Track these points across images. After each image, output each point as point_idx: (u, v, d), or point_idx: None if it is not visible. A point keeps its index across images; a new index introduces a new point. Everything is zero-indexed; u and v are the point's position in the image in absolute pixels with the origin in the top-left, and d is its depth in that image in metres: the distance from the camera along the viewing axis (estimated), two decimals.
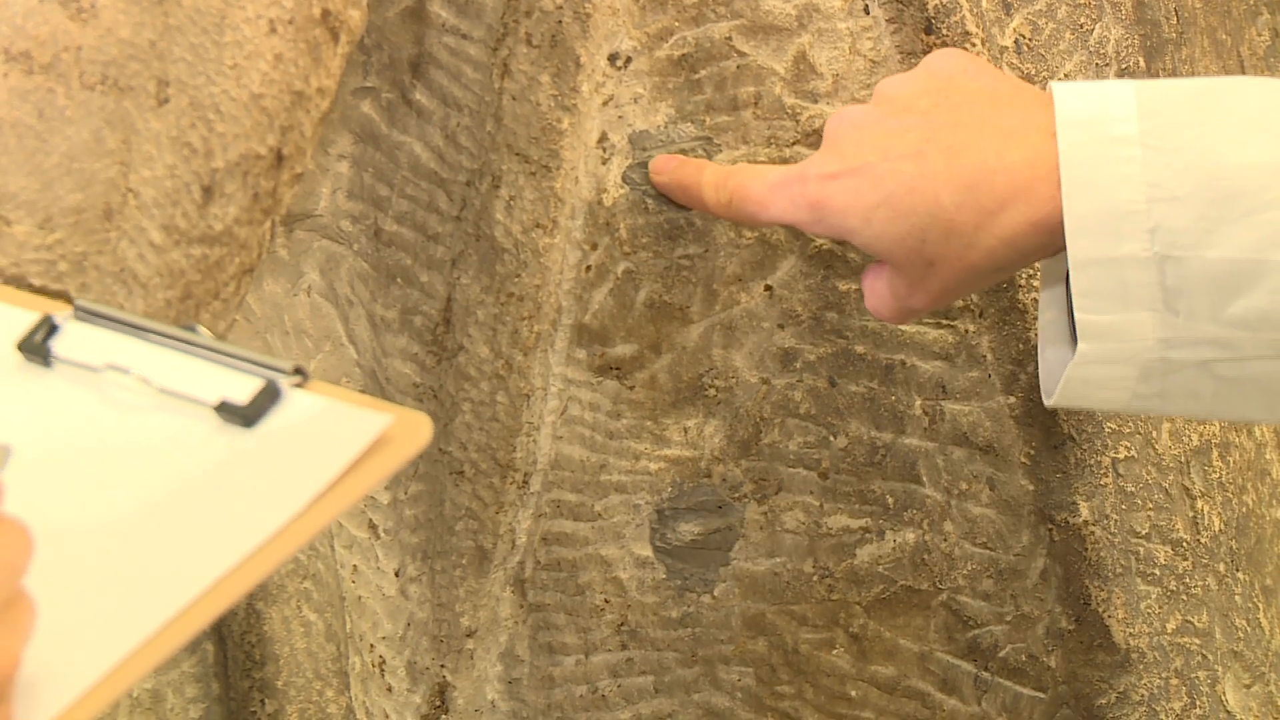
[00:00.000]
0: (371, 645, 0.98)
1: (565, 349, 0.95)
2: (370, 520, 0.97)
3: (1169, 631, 0.98)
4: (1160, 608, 0.98)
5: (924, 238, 0.78)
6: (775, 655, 0.97)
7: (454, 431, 0.96)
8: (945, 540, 0.96)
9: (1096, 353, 0.77)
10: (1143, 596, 0.97)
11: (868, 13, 0.93)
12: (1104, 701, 0.97)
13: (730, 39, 0.93)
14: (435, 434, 0.94)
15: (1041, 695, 0.97)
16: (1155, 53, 0.97)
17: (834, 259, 0.94)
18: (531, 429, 0.96)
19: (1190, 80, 0.78)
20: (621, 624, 0.97)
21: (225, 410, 0.60)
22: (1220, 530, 1.00)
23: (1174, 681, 0.98)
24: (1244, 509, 1.02)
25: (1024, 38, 0.94)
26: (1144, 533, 0.97)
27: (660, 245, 0.94)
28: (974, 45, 0.92)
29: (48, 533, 0.55)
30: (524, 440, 0.96)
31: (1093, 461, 0.96)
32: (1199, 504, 0.99)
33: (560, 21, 0.93)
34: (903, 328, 0.94)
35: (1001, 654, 0.97)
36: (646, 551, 0.96)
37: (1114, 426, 0.96)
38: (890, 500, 0.96)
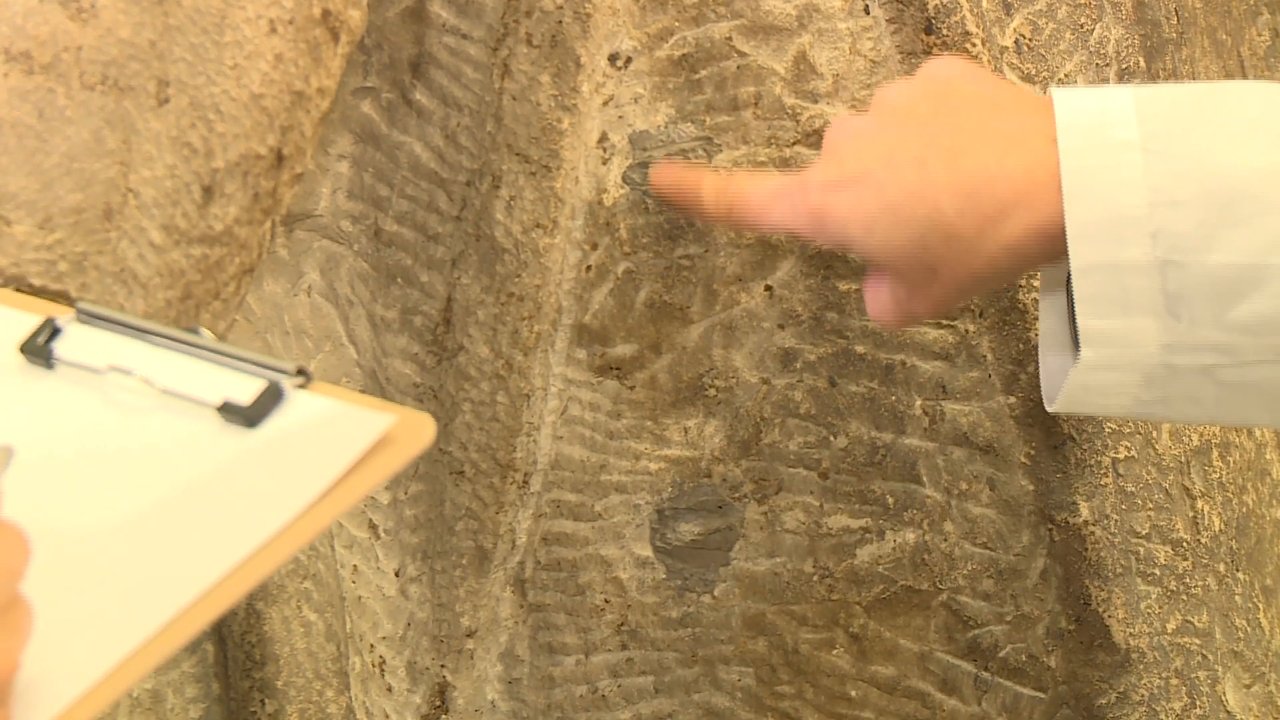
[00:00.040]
0: (371, 645, 0.98)
1: (565, 349, 0.95)
2: (370, 520, 0.97)
3: (1169, 631, 0.98)
4: (1160, 608, 0.98)
5: (925, 245, 0.78)
6: (775, 655, 0.97)
7: (454, 431, 0.96)
8: (945, 540, 0.96)
9: (1099, 359, 0.77)
10: (1143, 596, 0.97)
11: (868, 13, 0.93)
12: (1104, 701, 0.97)
13: (730, 39, 0.93)
14: (436, 434, 0.94)
15: (1041, 695, 0.97)
16: (1155, 53, 0.97)
17: (834, 259, 0.94)
18: (531, 429, 0.96)
19: (1190, 84, 0.78)
20: (621, 624, 0.97)
21: (228, 411, 0.60)
22: (1220, 530, 1.00)
23: (1174, 681, 0.98)
24: (1244, 509, 1.02)
25: (1024, 38, 0.94)
26: (1144, 533, 0.97)
27: (660, 245, 0.94)
28: (974, 45, 0.92)
29: (50, 534, 0.55)
30: (524, 440, 0.96)
31: (1093, 461, 0.96)
32: (1199, 504, 0.99)
33: (560, 21, 0.93)
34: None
35: (1001, 654, 0.97)
36: (647, 551, 0.96)
37: (1114, 426, 0.96)
38: (890, 500, 0.96)
